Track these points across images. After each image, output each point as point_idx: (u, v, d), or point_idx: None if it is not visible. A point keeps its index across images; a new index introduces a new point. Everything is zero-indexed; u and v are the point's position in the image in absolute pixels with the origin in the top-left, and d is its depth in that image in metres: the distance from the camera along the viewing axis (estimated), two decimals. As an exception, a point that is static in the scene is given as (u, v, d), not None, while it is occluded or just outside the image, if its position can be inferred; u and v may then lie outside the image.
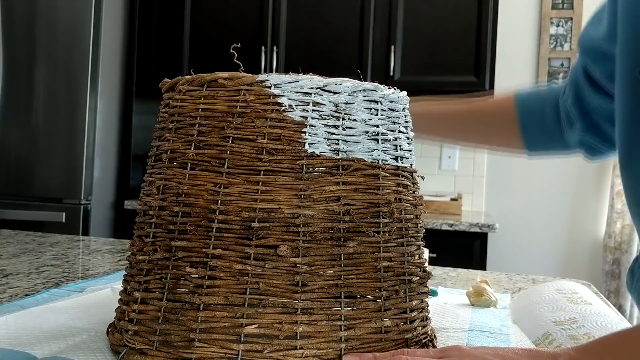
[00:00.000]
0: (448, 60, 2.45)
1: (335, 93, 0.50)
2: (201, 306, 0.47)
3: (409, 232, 0.54)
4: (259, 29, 2.62)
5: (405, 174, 0.55)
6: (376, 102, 0.53)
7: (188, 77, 0.52)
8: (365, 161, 0.51)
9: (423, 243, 0.57)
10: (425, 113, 0.82)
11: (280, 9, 2.60)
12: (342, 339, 0.48)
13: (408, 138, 0.57)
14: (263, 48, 2.60)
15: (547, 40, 2.71)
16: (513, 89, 0.86)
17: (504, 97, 0.83)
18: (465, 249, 2.24)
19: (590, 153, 0.78)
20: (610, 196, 2.66)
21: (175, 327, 0.47)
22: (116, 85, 2.56)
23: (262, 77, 0.49)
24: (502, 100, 0.83)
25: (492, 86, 2.45)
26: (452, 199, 2.56)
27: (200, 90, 0.51)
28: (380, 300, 0.51)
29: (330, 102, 0.50)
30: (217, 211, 0.48)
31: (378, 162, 0.52)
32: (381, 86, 0.53)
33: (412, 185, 0.56)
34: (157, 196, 0.51)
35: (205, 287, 0.47)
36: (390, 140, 0.53)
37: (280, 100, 0.49)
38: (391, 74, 2.50)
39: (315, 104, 0.50)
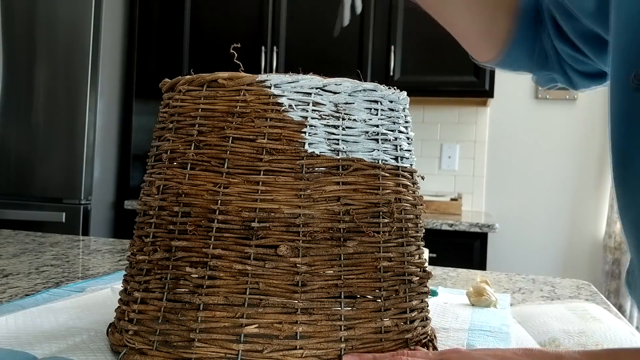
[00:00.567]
0: (448, 60, 2.45)
1: (335, 93, 0.50)
2: (201, 306, 0.47)
3: (409, 232, 0.54)
4: (259, 29, 2.62)
5: (405, 174, 0.55)
6: (376, 102, 0.53)
7: (188, 77, 0.52)
8: (365, 161, 0.51)
9: (423, 243, 0.57)
10: None
11: (280, 9, 2.60)
12: (342, 339, 0.48)
13: (408, 138, 0.57)
14: (263, 48, 2.60)
15: (547, 40, 2.70)
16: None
17: None
18: (465, 249, 2.24)
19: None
20: (610, 196, 2.66)
21: (175, 327, 0.47)
22: (116, 85, 2.56)
23: (262, 77, 0.49)
24: None
25: (492, 86, 2.45)
26: (452, 199, 2.56)
27: (200, 90, 0.51)
28: (380, 300, 0.51)
29: (330, 102, 0.50)
30: (217, 211, 0.48)
31: (378, 162, 0.52)
32: (381, 86, 0.53)
33: (412, 185, 0.56)
34: (157, 196, 0.51)
35: (205, 287, 0.47)
36: (390, 140, 0.53)
37: (280, 100, 0.49)
38: (391, 74, 2.50)
39: (315, 104, 0.50)
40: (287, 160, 0.48)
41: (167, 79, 0.55)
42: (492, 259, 2.64)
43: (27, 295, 0.73)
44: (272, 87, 0.49)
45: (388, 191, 0.52)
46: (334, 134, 0.50)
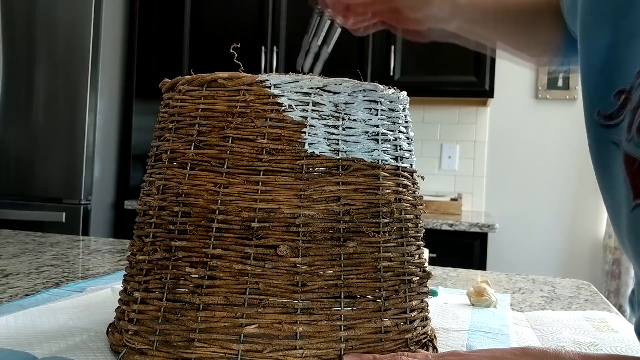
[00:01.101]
0: (448, 60, 2.45)
1: (335, 93, 0.50)
2: (201, 306, 0.47)
3: (409, 232, 0.54)
4: (259, 29, 2.62)
5: (405, 174, 0.55)
6: (376, 102, 0.53)
7: (188, 77, 0.52)
8: (365, 161, 0.51)
9: (423, 243, 0.57)
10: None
11: (280, 9, 2.60)
12: (342, 339, 0.48)
13: (408, 138, 0.57)
14: (263, 48, 2.60)
15: (547, 40, 2.70)
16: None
17: None
18: (465, 249, 2.24)
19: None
20: (610, 196, 2.66)
21: (175, 327, 0.47)
22: (116, 85, 2.56)
23: (262, 77, 0.49)
24: None
25: (492, 86, 2.45)
26: (452, 199, 2.56)
27: (200, 90, 0.51)
28: (380, 300, 0.51)
29: (330, 102, 0.50)
30: (217, 211, 0.48)
31: (378, 162, 0.52)
32: (381, 86, 0.53)
33: (412, 185, 0.56)
34: (157, 196, 0.51)
35: (205, 287, 0.47)
36: (390, 140, 0.53)
37: (280, 100, 0.49)
38: (391, 74, 2.50)
39: (315, 104, 0.50)
40: (287, 160, 0.48)
41: (167, 79, 0.55)
42: (492, 259, 2.64)
43: (27, 295, 0.73)
44: (272, 87, 0.49)
45: (388, 191, 0.52)
46: (333, 134, 0.50)
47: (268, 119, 0.49)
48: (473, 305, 0.78)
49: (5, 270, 0.89)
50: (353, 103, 0.51)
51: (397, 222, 0.52)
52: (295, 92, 0.49)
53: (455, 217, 2.40)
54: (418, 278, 0.54)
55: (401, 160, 0.54)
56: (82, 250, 1.14)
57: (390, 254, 0.51)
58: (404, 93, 0.56)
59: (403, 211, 0.53)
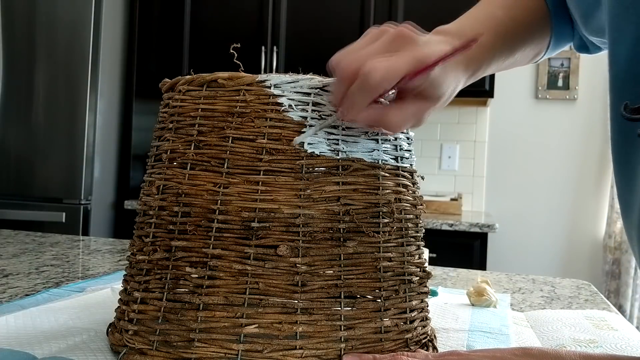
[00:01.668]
0: (448, 60, 2.44)
1: (335, 93, 0.50)
2: (201, 306, 0.47)
3: (409, 232, 0.54)
4: (259, 29, 2.62)
5: (405, 174, 0.55)
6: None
7: (188, 77, 0.52)
8: (365, 161, 0.51)
9: (423, 243, 0.57)
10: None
11: (280, 9, 2.60)
12: (342, 339, 0.48)
13: (408, 138, 0.57)
14: (263, 48, 2.60)
15: (547, 40, 2.70)
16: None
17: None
18: (465, 249, 2.24)
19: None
20: (610, 196, 2.66)
21: (175, 327, 0.47)
22: (116, 85, 2.56)
23: (261, 77, 0.49)
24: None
25: (492, 86, 2.45)
26: (452, 199, 2.56)
27: (200, 90, 0.51)
28: (380, 300, 0.51)
29: (330, 102, 0.50)
30: (217, 211, 0.48)
31: (378, 162, 0.52)
32: (381, 86, 0.53)
33: (412, 185, 0.56)
34: (157, 196, 0.51)
35: (205, 287, 0.47)
36: (390, 140, 0.53)
37: (280, 100, 0.49)
38: (391, 74, 2.49)
39: (315, 104, 0.50)
40: (287, 160, 0.48)
41: (167, 79, 0.55)
42: (492, 259, 2.64)
43: (27, 295, 0.73)
44: (272, 87, 0.49)
45: (388, 191, 0.52)
46: (333, 134, 0.50)
47: (268, 119, 0.49)
48: (473, 305, 0.78)
49: (5, 270, 0.89)
50: (353, 103, 0.51)
51: (397, 222, 0.52)
52: (295, 92, 0.49)
53: (455, 217, 2.40)
54: (418, 278, 0.54)
55: (401, 160, 0.54)
56: (82, 250, 1.14)
57: (390, 254, 0.51)
58: (404, 93, 0.56)
59: (403, 211, 0.53)
